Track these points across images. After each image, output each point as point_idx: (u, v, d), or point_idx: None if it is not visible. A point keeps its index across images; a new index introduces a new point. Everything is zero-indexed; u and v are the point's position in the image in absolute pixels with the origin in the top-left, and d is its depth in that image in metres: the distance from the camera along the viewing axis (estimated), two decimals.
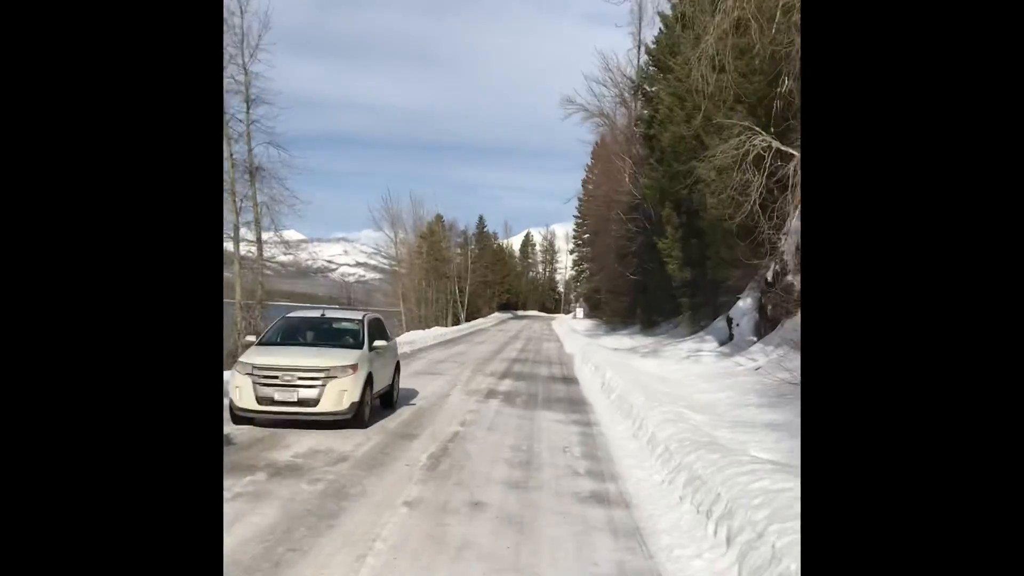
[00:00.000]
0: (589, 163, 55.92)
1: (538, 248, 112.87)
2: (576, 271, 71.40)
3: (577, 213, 68.99)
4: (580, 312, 65.22)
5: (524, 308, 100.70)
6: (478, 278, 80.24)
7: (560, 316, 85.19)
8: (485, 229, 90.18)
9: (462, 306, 62.49)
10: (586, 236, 67.16)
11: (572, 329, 43.91)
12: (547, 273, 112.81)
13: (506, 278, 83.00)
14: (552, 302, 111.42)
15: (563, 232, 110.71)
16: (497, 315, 71.50)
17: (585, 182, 58.51)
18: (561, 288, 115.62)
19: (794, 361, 11.10)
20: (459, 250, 68.65)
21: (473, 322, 52.23)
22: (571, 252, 71.97)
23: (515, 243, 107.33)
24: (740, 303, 18.74)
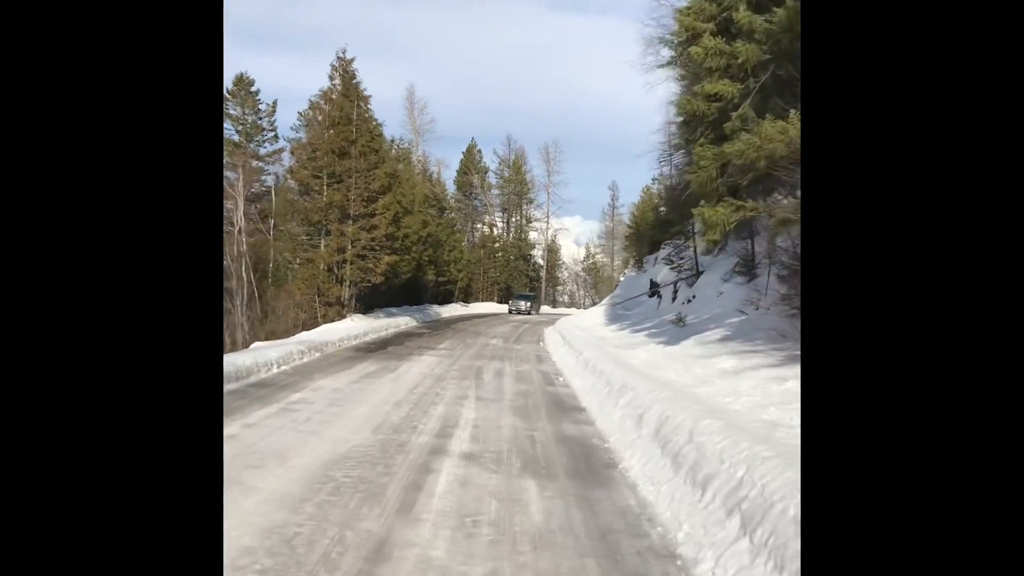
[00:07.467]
0: None
1: (492, 175, 56.41)
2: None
3: None
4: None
5: (467, 298, 45.04)
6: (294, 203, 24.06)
7: (578, 314, 29.65)
8: (356, 81, 33.56)
9: None
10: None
11: None
12: (513, 230, 56.98)
13: (400, 201, 26.41)
14: (525, 283, 55.83)
15: (539, 149, 55.36)
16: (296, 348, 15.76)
17: None
18: (541, 258, 60.10)
19: None
20: None
21: None
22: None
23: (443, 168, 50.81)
24: None
